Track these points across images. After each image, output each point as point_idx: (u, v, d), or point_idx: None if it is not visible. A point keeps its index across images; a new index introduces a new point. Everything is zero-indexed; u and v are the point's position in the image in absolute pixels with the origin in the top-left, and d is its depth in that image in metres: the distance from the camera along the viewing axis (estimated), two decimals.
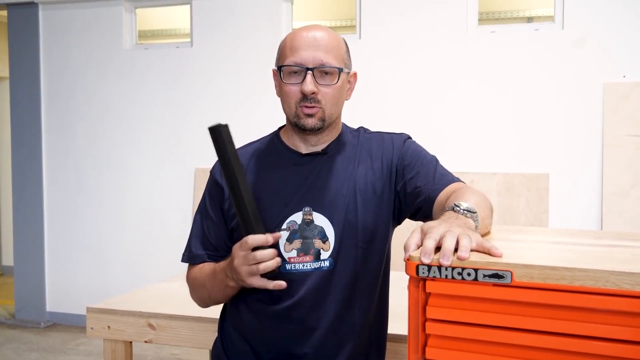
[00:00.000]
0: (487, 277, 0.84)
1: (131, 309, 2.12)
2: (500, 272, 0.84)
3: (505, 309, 0.85)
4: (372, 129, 1.55)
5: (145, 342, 2.10)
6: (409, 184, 1.40)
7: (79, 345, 4.35)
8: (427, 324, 0.90)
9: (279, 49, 1.43)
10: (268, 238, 1.27)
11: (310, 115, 1.37)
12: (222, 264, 1.38)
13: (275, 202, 1.40)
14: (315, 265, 1.39)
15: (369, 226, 1.41)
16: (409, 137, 1.50)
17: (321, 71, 1.36)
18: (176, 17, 5.17)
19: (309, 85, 1.34)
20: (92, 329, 2.14)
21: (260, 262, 1.27)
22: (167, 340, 2.08)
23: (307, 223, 1.39)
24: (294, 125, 1.40)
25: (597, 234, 1.22)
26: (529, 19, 4.70)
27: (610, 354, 0.80)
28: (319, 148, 1.44)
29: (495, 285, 0.84)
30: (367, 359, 1.47)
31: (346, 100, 1.46)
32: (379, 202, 1.42)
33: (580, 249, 0.98)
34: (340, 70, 1.38)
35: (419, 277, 0.88)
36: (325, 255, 1.39)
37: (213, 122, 1.28)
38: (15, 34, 4.86)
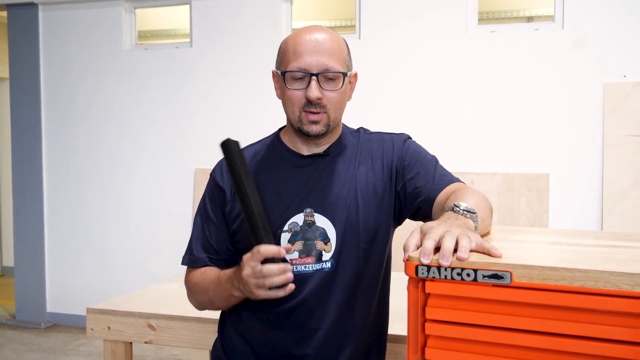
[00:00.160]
0: (486, 278, 0.84)
1: (131, 309, 2.12)
2: (499, 273, 0.84)
3: (504, 310, 0.85)
4: (372, 129, 1.55)
5: (145, 342, 2.09)
6: (409, 184, 1.40)
7: (79, 346, 4.35)
8: (426, 324, 0.90)
9: (280, 51, 1.42)
10: (281, 250, 1.27)
11: (315, 122, 1.37)
12: (228, 272, 1.37)
13: (276, 204, 1.40)
14: (317, 266, 1.39)
15: (370, 227, 1.41)
16: (409, 137, 1.50)
17: (325, 76, 1.35)
18: (176, 18, 5.17)
19: (315, 91, 1.34)
20: (92, 329, 2.13)
21: (268, 276, 1.26)
22: (167, 341, 2.08)
23: (309, 224, 1.39)
24: (298, 130, 1.40)
25: (597, 235, 1.22)
26: (529, 19, 4.70)
27: (609, 355, 0.80)
28: (320, 150, 1.44)
29: (494, 285, 0.84)
30: None
31: (347, 100, 1.46)
32: (380, 203, 1.42)
33: (580, 249, 0.98)
34: (345, 75, 1.38)
35: (419, 277, 0.88)
36: (327, 256, 1.39)
37: (224, 138, 1.32)
38: (15, 35, 4.86)
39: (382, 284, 1.48)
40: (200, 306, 1.53)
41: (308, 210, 1.40)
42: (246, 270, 1.27)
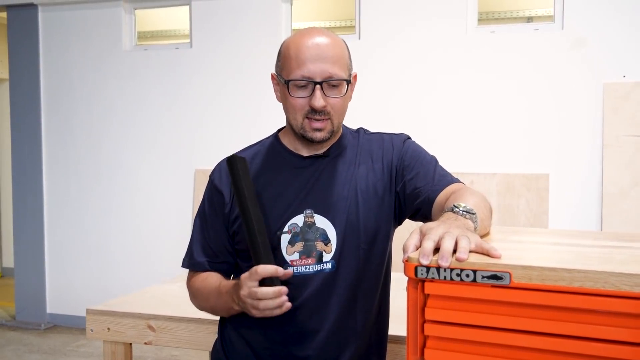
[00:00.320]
0: (485, 279, 0.84)
1: (131, 310, 2.12)
2: (498, 274, 0.84)
3: (503, 310, 0.85)
4: (372, 129, 1.55)
5: (145, 343, 2.10)
6: (409, 184, 1.40)
7: (79, 347, 4.35)
8: (425, 325, 0.90)
9: (280, 56, 1.40)
10: (278, 270, 1.27)
11: (318, 130, 1.37)
12: (228, 285, 1.38)
13: (276, 205, 1.40)
14: (318, 267, 1.39)
15: (370, 227, 1.41)
16: (409, 138, 1.50)
17: (329, 83, 1.34)
18: (176, 18, 5.17)
19: (320, 100, 1.33)
20: (92, 330, 2.13)
21: (262, 299, 1.26)
22: (167, 342, 2.08)
23: (309, 225, 1.39)
24: (301, 136, 1.40)
25: (596, 235, 1.22)
26: (529, 19, 4.70)
27: (609, 355, 0.80)
28: (321, 151, 1.44)
29: (493, 286, 0.84)
30: None
31: (348, 102, 1.46)
32: (380, 203, 1.42)
33: (579, 250, 0.98)
34: (348, 81, 1.38)
35: (418, 278, 0.88)
36: (327, 257, 1.39)
37: (230, 154, 1.36)
38: (14, 36, 4.87)
39: (383, 285, 1.48)
40: (201, 309, 1.53)
41: (308, 211, 1.39)
42: (243, 290, 1.28)
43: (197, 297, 1.50)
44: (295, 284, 1.38)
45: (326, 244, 1.39)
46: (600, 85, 3.63)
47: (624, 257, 0.90)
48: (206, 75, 4.45)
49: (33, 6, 4.78)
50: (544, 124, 3.74)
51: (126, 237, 4.67)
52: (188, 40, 4.58)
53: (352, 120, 1.58)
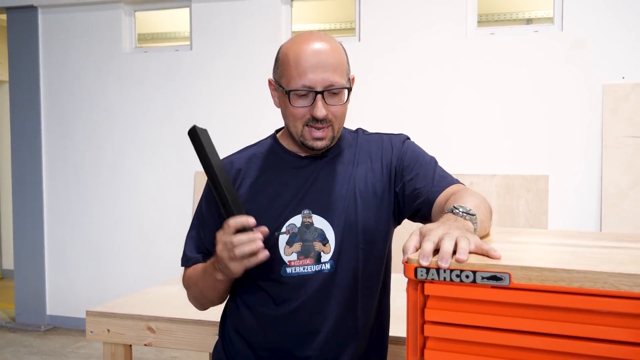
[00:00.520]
0: (485, 280, 0.84)
1: (131, 312, 2.12)
2: (498, 274, 0.84)
3: (503, 311, 0.85)
4: (371, 130, 1.55)
5: (145, 345, 2.09)
6: (408, 185, 1.40)
7: (79, 349, 4.35)
8: (425, 326, 0.90)
9: (279, 62, 1.38)
10: (249, 219, 1.26)
11: (319, 139, 1.36)
12: (212, 259, 1.37)
13: (274, 206, 1.40)
14: (316, 268, 1.39)
15: (369, 227, 1.41)
16: (408, 138, 1.50)
17: (329, 92, 1.34)
18: (176, 20, 5.17)
19: (321, 110, 1.33)
20: (91, 332, 2.13)
21: (237, 246, 1.25)
22: (167, 344, 2.08)
23: (307, 226, 1.39)
24: (301, 143, 1.39)
25: (596, 236, 1.22)
26: (528, 21, 4.70)
27: (608, 356, 0.80)
28: (319, 151, 1.44)
29: (493, 287, 0.84)
30: None
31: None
32: (380, 203, 1.42)
33: (579, 250, 0.98)
34: (349, 89, 1.37)
35: (418, 279, 0.88)
36: (325, 257, 1.39)
37: (191, 126, 1.32)
38: (14, 38, 4.87)
39: (383, 285, 1.48)
40: (196, 302, 1.52)
41: (306, 211, 1.39)
42: (219, 246, 1.28)
43: (189, 287, 1.50)
44: (294, 285, 1.38)
45: (324, 245, 1.39)
46: (599, 86, 3.64)
47: (623, 258, 0.90)
48: (206, 77, 4.45)
49: (33, 8, 4.78)
50: (543, 125, 3.75)
51: (126, 239, 4.67)
52: (188, 43, 4.58)
53: (351, 121, 1.58)
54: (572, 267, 0.81)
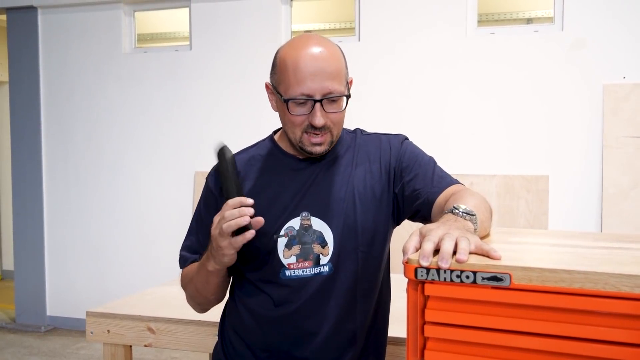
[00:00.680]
0: (485, 280, 0.84)
1: (131, 313, 2.11)
2: (499, 275, 0.83)
3: (504, 312, 0.85)
4: (370, 131, 1.54)
5: (145, 346, 2.09)
6: (407, 186, 1.39)
7: (79, 349, 4.35)
8: (425, 326, 0.89)
9: (276, 68, 1.36)
10: (247, 199, 1.25)
11: (318, 144, 1.36)
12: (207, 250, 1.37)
13: (272, 209, 1.39)
14: (315, 270, 1.38)
15: (368, 229, 1.40)
16: (406, 138, 1.49)
17: (328, 99, 1.32)
18: (175, 20, 5.17)
19: (320, 119, 1.31)
20: (91, 333, 2.13)
21: (226, 220, 1.23)
22: (167, 344, 2.07)
23: (305, 228, 1.38)
24: (299, 149, 1.39)
25: (596, 236, 1.22)
26: (529, 20, 4.70)
27: (609, 357, 0.80)
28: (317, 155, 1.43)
29: (494, 287, 0.84)
30: None
31: None
32: (379, 205, 1.41)
33: (579, 251, 0.98)
34: (348, 96, 1.36)
35: (418, 279, 0.88)
36: (324, 260, 1.38)
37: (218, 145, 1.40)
38: (14, 38, 4.87)
39: (382, 286, 1.48)
40: (192, 300, 1.51)
41: (304, 214, 1.39)
42: (212, 225, 1.27)
43: (186, 287, 1.49)
44: (293, 287, 1.38)
45: (323, 247, 1.38)
46: (599, 86, 3.63)
47: (624, 258, 0.90)
48: (206, 77, 4.45)
49: (33, 9, 4.78)
50: (543, 125, 3.75)
51: (126, 239, 4.67)
52: (188, 43, 4.58)
53: (351, 121, 1.57)
54: (572, 267, 0.81)
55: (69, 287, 4.81)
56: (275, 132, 1.53)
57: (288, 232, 1.38)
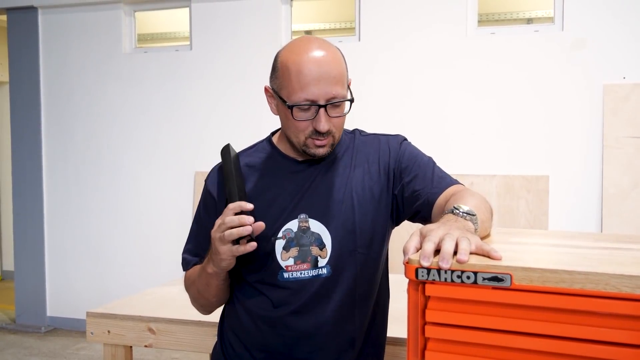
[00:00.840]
0: (486, 280, 0.84)
1: (131, 313, 2.11)
2: (499, 275, 0.83)
3: (504, 312, 0.85)
4: (371, 131, 1.54)
5: (146, 346, 2.09)
6: (407, 187, 1.39)
7: (79, 350, 4.35)
8: (426, 327, 0.89)
9: (278, 73, 1.34)
10: (247, 204, 1.25)
11: (322, 147, 1.36)
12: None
13: (271, 211, 1.39)
14: (313, 272, 1.38)
15: (366, 231, 1.40)
16: (405, 139, 1.49)
17: (332, 104, 1.32)
18: (175, 21, 5.17)
19: (325, 124, 1.31)
20: (92, 333, 2.13)
21: (227, 226, 1.24)
22: (167, 345, 2.08)
23: (303, 230, 1.38)
24: (302, 152, 1.38)
25: (597, 237, 1.22)
26: (529, 20, 4.70)
27: (609, 357, 0.80)
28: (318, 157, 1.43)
29: (494, 288, 0.84)
30: None
31: None
32: (377, 206, 1.41)
33: (580, 251, 0.98)
34: (352, 100, 1.35)
35: (418, 280, 0.88)
36: (322, 262, 1.38)
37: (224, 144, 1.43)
38: (14, 38, 4.87)
39: (381, 288, 1.48)
40: (195, 302, 1.52)
41: (302, 216, 1.38)
42: (213, 228, 1.28)
43: (189, 288, 1.50)
44: (291, 289, 1.38)
45: (321, 249, 1.38)
46: (600, 86, 3.63)
47: (624, 259, 0.90)
48: (206, 77, 4.45)
49: (33, 9, 4.78)
50: (543, 125, 3.74)
51: (126, 239, 4.67)
52: (188, 43, 4.58)
53: (351, 121, 1.57)
54: (573, 268, 0.81)
55: (69, 287, 4.81)
56: (272, 133, 1.52)
57: (286, 234, 1.38)
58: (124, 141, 4.66)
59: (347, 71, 1.38)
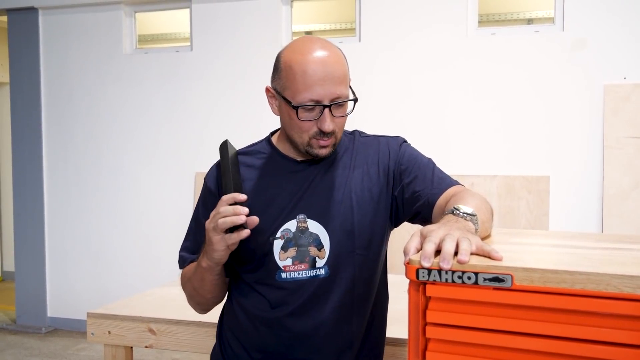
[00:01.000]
0: (487, 281, 0.84)
1: (131, 314, 2.11)
2: (500, 276, 0.83)
3: (505, 313, 0.85)
4: (371, 132, 1.53)
5: (146, 347, 2.09)
6: (407, 188, 1.39)
7: (79, 351, 4.35)
8: (427, 328, 0.89)
9: (281, 73, 1.34)
10: (240, 195, 1.25)
11: (325, 147, 1.36)
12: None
13: (269, 211, 1.39)
14: (311, 273, 1.37)
15: (365, 232, 1.39)
16: (405, 141, 1.49)
17: (336, 104, 1.32)
18: (176, 21, 5.17)
19: (330, 125, 1.31)
20: (92, 334, 2.13)
21: (221, 216, 1.23)
22: (168, 345, 2.07)
23: (302, 231, 1.38)
24: (305, 152, 1.38)
25: (598, 237, 1.22)
26: (529, 21, 4.70)
27: (610, 358, 0.80)
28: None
29: (495, 288, 0.84)
30: None
31: None
32: (376, 208, 1.41)
33: (581, 252, 0.98)
34: (355, 100, 1.35)
35: (419, 281, 0.88)
36: (320, 263, 1.38)
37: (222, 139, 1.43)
38: (15, 39, 4.87)
39: (379, 289, 1.47)
40: (191, 299, 1.51)
41: (301, 216, 1.38)
42: (208, 219, 1.27)
43: (185, 286, 1.49)
44: (289, 290, 1.37)
45: (319, 250, 1.37)
46: (600, 86, 3.63)
47: (625, 259, 0.90)
48: (207, 78, 4.45)
49: (33, 10, 4.79)
50: (544, 125, 3.74)
51: (127, 240, 4.67)
52: (188, 43, 4.58)
53: (351, 121, 1.57)
54: (574, 268, 0.81)
55: (70, 288, 4.81)
56: (272, 133, 1.52)
57: (284, 235, 1.37)
58: (124, 142, 4.67)
59: (349, 71, 1.38)
